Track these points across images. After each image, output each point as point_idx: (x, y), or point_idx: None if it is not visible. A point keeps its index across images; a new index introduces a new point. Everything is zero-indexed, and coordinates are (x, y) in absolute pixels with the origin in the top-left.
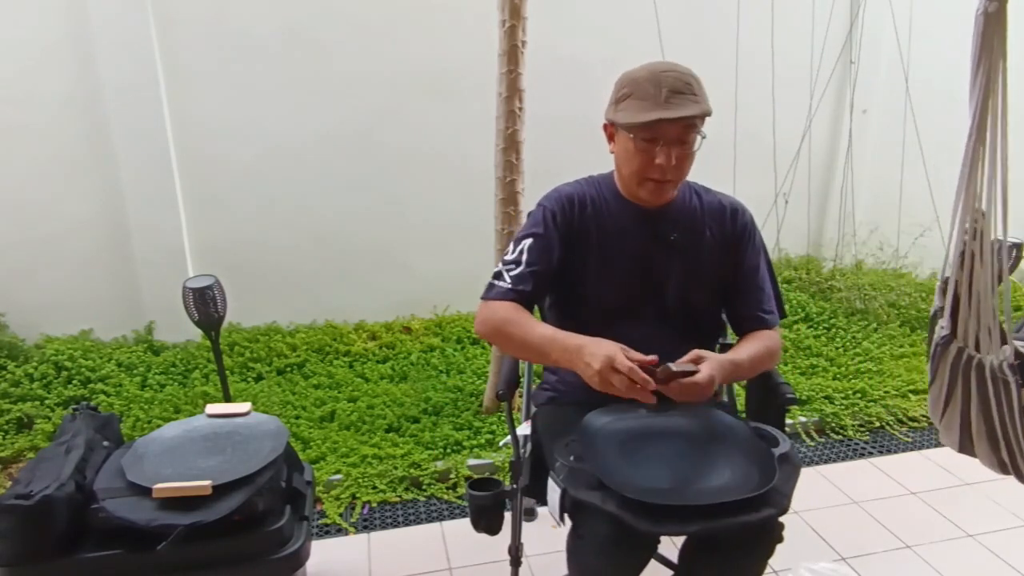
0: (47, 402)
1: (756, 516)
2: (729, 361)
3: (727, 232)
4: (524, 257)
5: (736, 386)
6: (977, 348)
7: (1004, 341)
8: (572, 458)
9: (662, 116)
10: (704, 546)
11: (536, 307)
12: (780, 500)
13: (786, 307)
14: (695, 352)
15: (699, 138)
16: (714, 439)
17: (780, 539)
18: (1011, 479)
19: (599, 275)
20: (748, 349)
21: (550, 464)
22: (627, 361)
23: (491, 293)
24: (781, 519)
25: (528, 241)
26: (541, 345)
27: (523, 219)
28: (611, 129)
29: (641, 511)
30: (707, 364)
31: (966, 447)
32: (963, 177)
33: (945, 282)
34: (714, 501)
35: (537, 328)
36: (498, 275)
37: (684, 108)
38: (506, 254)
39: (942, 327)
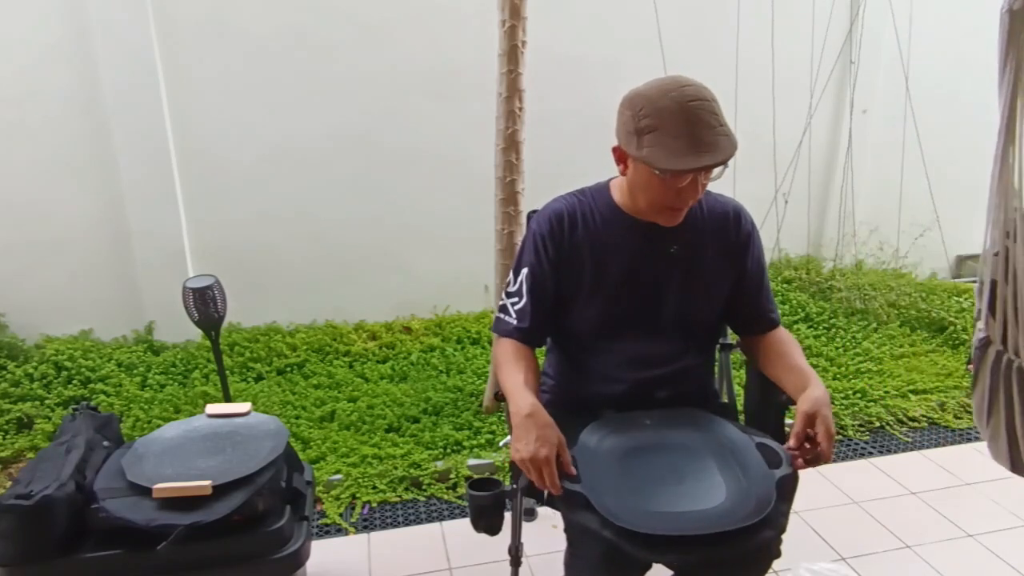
0: (47, 402)
1: (754, 540)
2: (820, 393)
3: (731, 241)
4: (523, 288)
5: (736, 386)
6: (1017, 353)
7: None
8: (566, 481)
9: (704, 164)
10: (701, 564)
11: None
12: (778, 520)
13: (785, 307)
14: (803, 415)
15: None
16: (714, 455)
17: (778, 554)
18: (1013, 479)
19: (594, 290)
20: (799, 359)
21: None
22: (549, 466)
23: (498, 328)
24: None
25: (525, 271)
26: (507, 396)
27: (523, 220)
28: (622, 152)
29: (637, 537)
30: (822, 423)
31: (1017, 463)
32: (994, 177)
33: (983, 284)
34: (711, 531)
35: (510, 379)
36: (503, 308)
37: (721, 151)
38: (508, 284)
39: (979, 329)
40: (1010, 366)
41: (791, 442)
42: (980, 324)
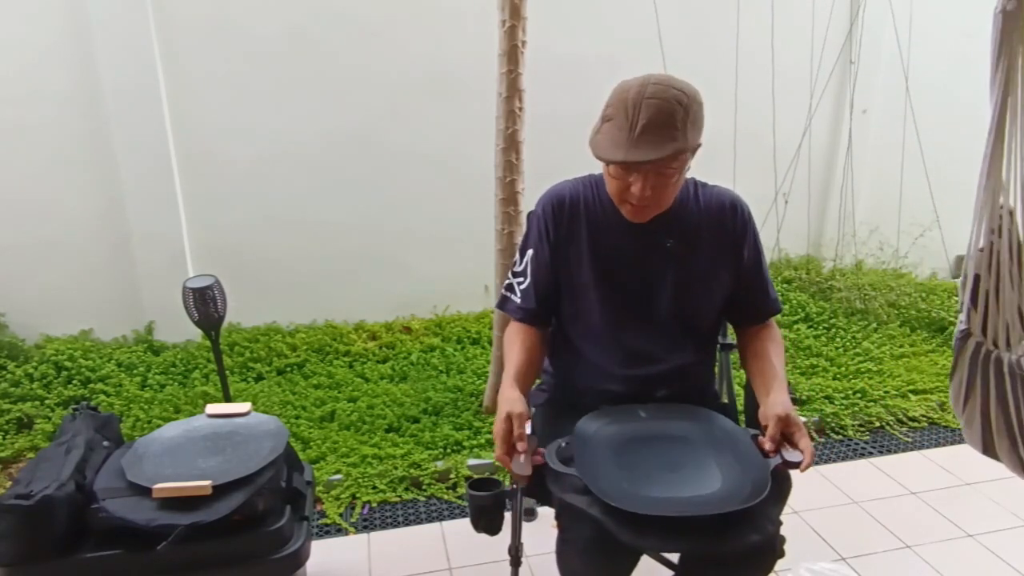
0: (47, 402)
1: (741, 542)
2: (785, 398)
3: (727, 232)
4: (528, 269)
5: (736, 386)
6: (995, 344)
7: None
8: (557, 451)
9: (626, 159)
10: (702, 562)
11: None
12: (766, 526)
13: (785, 307)
14: (775, 420)
15: (682, 170)
16: (711, 446)
17: (781, 554)
18: (1013, 479)
19: (589, 280)
20: (776, 360)
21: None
22: (504, 426)
23: (503, 306)
24: (781, 532)
25: (530, 252)
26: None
27: (523, 220)
28: None
29: (625, 520)
30: (802, 436)
31: (989, 447)
32: (983, 175)
33: (967, 278)
34: (698, 513)
35: (509, 359)
36: (510, 287)
37: (652, 150)
38: (515, 264)
39: (961, 321)
40: (988, 356)
41: (767, 445)
42: (962, 316)
